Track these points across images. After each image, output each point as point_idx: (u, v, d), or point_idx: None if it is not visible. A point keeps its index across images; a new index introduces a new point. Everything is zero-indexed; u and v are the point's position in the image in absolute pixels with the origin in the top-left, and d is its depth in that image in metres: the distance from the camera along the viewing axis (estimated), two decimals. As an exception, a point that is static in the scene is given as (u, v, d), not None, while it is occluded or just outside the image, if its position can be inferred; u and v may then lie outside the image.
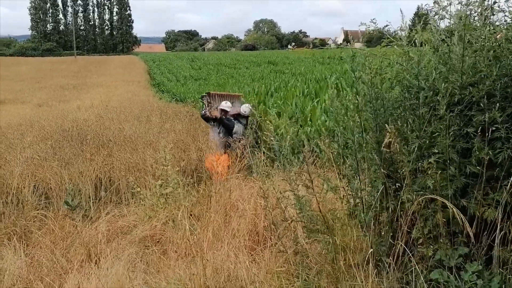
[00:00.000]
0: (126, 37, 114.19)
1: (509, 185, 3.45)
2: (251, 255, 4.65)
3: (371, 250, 3.65)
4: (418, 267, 3.65)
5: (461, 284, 3.42)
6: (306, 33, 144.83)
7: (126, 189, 7.43)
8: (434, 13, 4.02)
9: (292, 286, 3.80)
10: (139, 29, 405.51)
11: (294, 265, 4.07)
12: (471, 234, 3.26)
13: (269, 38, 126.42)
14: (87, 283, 3.72)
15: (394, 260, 3.70)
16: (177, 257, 4.77)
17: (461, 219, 3.22)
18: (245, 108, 10.41)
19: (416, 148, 3.60)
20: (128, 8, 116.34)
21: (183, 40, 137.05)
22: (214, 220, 5.42)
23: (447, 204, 3.32)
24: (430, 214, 3.62)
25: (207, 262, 4.24)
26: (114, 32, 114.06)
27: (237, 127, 10.12)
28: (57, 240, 5.35)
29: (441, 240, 3.61)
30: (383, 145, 3.55)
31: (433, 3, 3.99)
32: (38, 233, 5.63)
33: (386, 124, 3.60)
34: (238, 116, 10.30)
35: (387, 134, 3.50)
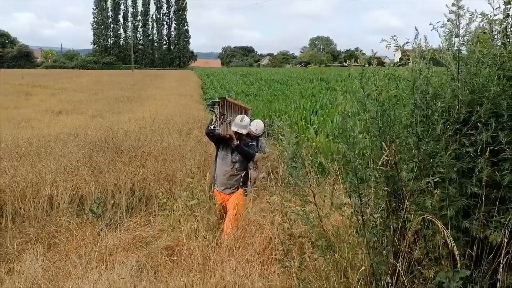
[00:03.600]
0: (183, 52, 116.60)
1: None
2: (261, 269, 4.64)
3: (365, 269, 3.58)
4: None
5: (460, 308, 3.31)
6: (362, 50, 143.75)
7: (155, 199, 7.57)
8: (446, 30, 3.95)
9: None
10: (196, 44, 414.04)
11: (298, 281, 4.04)
12: (457, 257, 3.17)
13: (324, 55, 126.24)
14: (88, 285, 3.81)
15: (395, 280, 3.61)
16: (188, 267, 4.81)
17: (450, 241, 3.12)
18: (257, 126, 8.50)
19: (415, 167, 3.53)
20: (186, 23, 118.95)
21: (239, 56, 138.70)
22: (231, 233, 5.44)
23: (439, 225, 3.22)
24: (430, 234, 3.53)
25: (212, 273, 4.27)
26: (172, 47, 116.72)
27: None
28: (77, 246, 5.50)
29: (442, 262, 3.51)
30: (379, 163, 3.50)
31: (447, 20, 3.92)
32: (61, 239, 5.81)
33: (383, 143, 3.55)
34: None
35: (384, 152, 3.45)
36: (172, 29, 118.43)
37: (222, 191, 6.96)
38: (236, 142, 6.88)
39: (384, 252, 3.79)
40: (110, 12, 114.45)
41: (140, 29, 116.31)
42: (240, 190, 6.91)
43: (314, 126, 13.68)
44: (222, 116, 6.76)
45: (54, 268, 4.91)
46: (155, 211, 7.29)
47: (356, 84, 4.05)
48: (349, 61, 4.01)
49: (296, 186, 4.23)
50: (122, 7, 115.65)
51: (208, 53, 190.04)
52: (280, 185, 5.02)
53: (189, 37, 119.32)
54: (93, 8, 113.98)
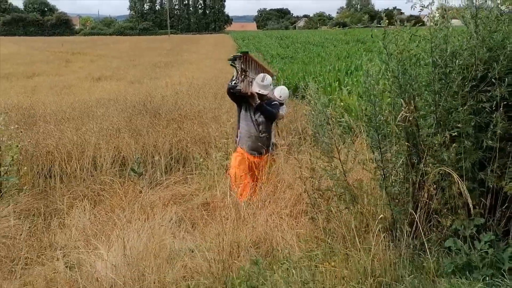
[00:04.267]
0: (218, 16, 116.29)
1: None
2: (290, 221, 4.93)
3: (385, 218, 3.85)
4: (435, 236, 3.82)
5: (473, 253, 3.54)
6: (401, 10, 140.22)
7: (192, 160, 7.92)
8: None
9: (318, 249, 4.06)
10: (231, 8, 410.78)
11: (323, 232, 4.32)
12: (470, 206, 3.39)
13: (360, 15, 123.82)
14: (132, 235, 4.19)
15: (414, 229, 3.86)
16: (223, 220, 5.14)
17: (464, 190, 3.34)
18: (281, 92, 7.68)
19: (434, 123, 3.74)
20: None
21: (275, 19, 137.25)
22: (263, 190, 5.74)
23: (455, 177, 3.45)
24: (447, 186, 3.75)
25: (245, 224, 4.60)
26: (207, 11, 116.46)
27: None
28: (120, 202, 5.90)
29: (458, 211, 3.74)
30: (398, 119, 3.72)
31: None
32: (106, 196, 6.24)
33: (402, 99, 3.76)
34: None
35: (403, 108, 3.67)
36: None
37: (249, 153, 6.64)
38: (258, 101, 6.56)
39: (404, 203, 4.03)
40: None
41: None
42: (266, 157, 6.64)
43: (347, 88, 13.76)
44: (244, 73, 6.39)
45: (100, 221, 5.33)
46: (192, 170, 7.64)
47: (380, 44, 4.24)
48: (381, 22, 4.15)
49: (322, 143, 4.49)
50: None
51: (244, 16, 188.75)
52: (309, 144, 5.29)
53: (224, 1, 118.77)
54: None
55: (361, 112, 5.43)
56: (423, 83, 3.93)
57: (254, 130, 6.64)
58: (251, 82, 6.64)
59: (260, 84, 6.59)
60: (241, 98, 6.57)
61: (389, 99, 4.14)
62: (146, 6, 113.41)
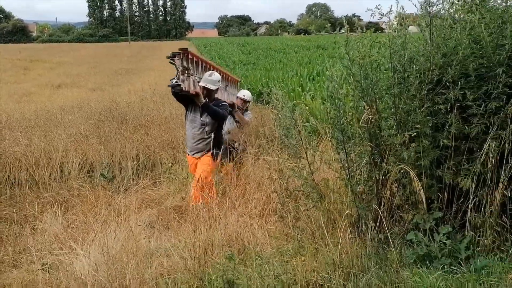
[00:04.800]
0: (179, 22, 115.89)
1: (481, 157, 3.81)
2: (261, 220, 5.12)
3: (351, 214, 4.09)
4: (397, 230, 4.08)
5: (432, 244, 3.81)
6: (359, 16, 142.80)
7: (160, 165, 8.04)
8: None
9: (288, 245, 4.26)
10: (192, 15, 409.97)
11: (293, 229, 4.53)
12: (423, 201, 3.66)
13: (321, 22, 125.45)
14: (108, 236, 4.30)
15: (378, 224, 4.11)
16: (195, 221, 5.29)
17: (418, 187, 3.61)
18: (245, 92, 8.13)
19: (394, 124, 4.01)
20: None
21: (236, 25, 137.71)
22: (233, 192, 5.92)
23: (412, 174, 3.71)
24: (408, 183, 4.02)
25: (217, 223, 4.77)
26: (168, 18, 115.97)
27: (230, 124, 7.63)
28: (92, 207, 5.98)
29: (418, 206, 4.00)
30: (361, 121, 3.97)
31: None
32: (76, 201, 6.31)
33: (364, 102, 4.02)
34: (231, 107, 7.59)
35: (365, 111, 3.92)
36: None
37: (192, 156, 6.54)
38: (203, 100, 6.25)
39: (368, 200, 4.28)
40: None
41: (135, 1, 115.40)
42: (209, 154, 6.47)
43: (310, 93, 14.06)
44: (186, 71, 6.06)
45: (74, 225, 5.42)
46: (160, 175, 7.76)
47: (342, 50, 4.50)
48: (342, 29, 4.42)
49: (290, 145, 4.71)
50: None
51: (205, 23, 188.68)
52: (277, 146, 5.51)
53: (185, 7, 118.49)
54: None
55: (326, 115, 5.67)
56: (384, 87, 4.20)
57: (198, 131, 6.45)
58: (198, 81, 6.42)
59: (207, 79, 6.40)
60: (186, 98, 6.31)
61: (352, 102, 4.40)
62: (106, 13, 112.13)
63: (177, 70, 5.91)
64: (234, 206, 5.36)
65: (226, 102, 6.96)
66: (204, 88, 6.35)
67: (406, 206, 4.12)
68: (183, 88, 5.87)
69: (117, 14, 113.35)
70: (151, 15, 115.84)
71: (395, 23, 4.45)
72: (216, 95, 6.76)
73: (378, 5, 4.57)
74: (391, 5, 4.18)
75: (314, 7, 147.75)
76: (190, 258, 3.93)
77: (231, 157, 7.18)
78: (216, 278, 3.47)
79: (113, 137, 8.45)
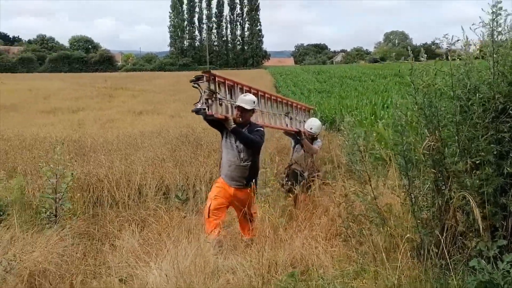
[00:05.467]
0: (256, 51, 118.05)
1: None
2: (325, 244, 5.24)
3: (414, 240, 4.14)
4: (460, 257, 4.09)
5: (495, 272, 3.80)
6: (438, 44, 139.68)
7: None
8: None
9: (350, 268, 4.37)
10: (269, 43, 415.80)
11: (356, 253, 4.64)
12: (481, 227, 3.66)
13: (399, 50, 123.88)
14: (179, 253, 4.59)
15: (439, 250, 4.14)
16: (262, 243, 5.50)
17: (477, 214, 3.63)
18: (312, 124, 8.10)
19: (456, 151, 4.06)
20: (259, 23, 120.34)
21: (312, 54, 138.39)
22: (300, 216, 6.10)
23: (471, 202, 3.74)
24: (471, 210, 4.04)
25: (282, 245, 4.95)
26: (245, 47, 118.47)
27: (297, 154, 7.96)
28: (166, 227, 6.32)
29: (482, 233, 4.01)
30: (422, 147, 4.05)
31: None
32: (152, 221, 6.68)
33: (427, 129, 4.10)
34: (298, 135, 8.03)
35: (427, 137, 4.01)
36: (245, 29, 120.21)
37: (228, 184, 6.28)
38: (232, 125, 6.01)
39: (431, 226, 4.33)
40: (186, 15, 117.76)
41: (214, 31, 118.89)
42: (249, 190, 6.23)
43: (383, 121, 14.04)
44: (214, 94, 5.91)
45: (149, 243, 5.76)
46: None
47: (407, 79, 4.62)
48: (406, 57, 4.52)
49: (355, 170, 4.85)
50: (197, 9, 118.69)
51: (281, 52, 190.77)
52: (343, 172, 5.66)
53: (262, 37, 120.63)
54: (169, 12, 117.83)
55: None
56: (447, 114, 4.26)
57: (234, 158, 6.23)
58: (227, 105, 6.30)
59: (241, 98, 6.25)
60: (220, 124, 6.16)
61: (416, 129, 4.49)
62: (186, 43, 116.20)
63: (201, 93, 5.80)
64: (300, 229, 5.52)
65: (261, 127, 6.52)
66: (239, 107, 6.19)
67: (470, 233, 4.13)
68: (208, 113, 5.74)
69: (197, 43, 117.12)
70: (229, 45, 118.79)
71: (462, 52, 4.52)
72: (269, 122, 7.11)
73: (446, 34, 4.66)
74: (452, 35, 4.26)
75: (392, 35, 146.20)
76: (254, 275, 4.13)
77: (301, 185, 7.09)
78: (278, 294, 3.64)
79: (188, 161, 8.87)
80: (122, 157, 9.09)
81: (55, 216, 6.67)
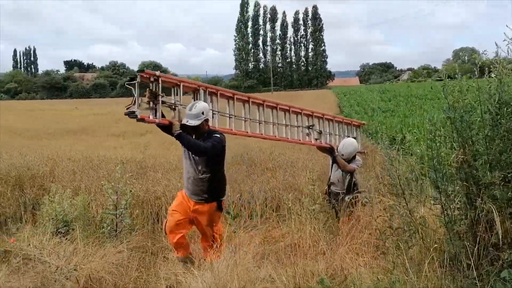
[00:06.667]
0: (321, 72, 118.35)
1: None
2: (365, 257, 5.38)
3: (447, 252, 4.24)
4: (492, 268, 4.14)
5: (527, 283, 3.84)
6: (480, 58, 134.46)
7: (284, 205, 8.57)
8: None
9: (385, 279, 4.50)
10: (334, 64, 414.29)
11: (393, 264, 4.75)
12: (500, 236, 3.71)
13: (469, 67, 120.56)
14: (221, 263, 4.88)
15: (472, 261, 4.21)
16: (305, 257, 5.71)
17: (499, 226, 3.70)
18: (343, 148, 7.66)
19: (487, 164, 4.15)
20: (323, 44, 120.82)
21: (378, 73, 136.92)
22: (342, 229, 6.26)
23: (494, 213, 3.82)
24: (502, 222, 4.10)
25: (322, 258, 5.15)
26: (309, 68, 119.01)
27: (337, 173, 7.66)
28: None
29: (513, 245, 4.06)
30: (450, 159, 4.17)
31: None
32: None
33: (457, 143, 4.21)
34: (331, 151, 7.85)
35: (456, 151, 4.13)
36: (310, 50, 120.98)
37: (189, 197, 5.97)
38: (177, 130, 5.49)
39: (463, 237, 4.40)
40: (250, 38, 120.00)
41: (278, 52, 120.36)
42: (212, 204, 5.90)
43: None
44: (154, 97, 5.57)
45: (198, 256, 6.09)
46: (285, 215, 8.26)
47: (441, 95, 4.75)
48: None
49: (393, 186, 4.99)
50: (261, 32, 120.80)
51: (347, 72, 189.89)
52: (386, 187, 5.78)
53: (326, 57, 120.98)
54: (234, 35, 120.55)
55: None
56: (477, 128, 4.36)
57: (192, 169, 5.84)
58: (177, 111, 5.92)
59: (187, 113, 5.75)
60: (168, 131, 5.67)
61: (448, 144, 4.60)
62: (251, 65, 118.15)
63: (134, 96, 5.39)
64: (341, 243, 5.68)
65: (219, 134, 5.96)
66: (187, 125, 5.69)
67: (503, 245, 4.17)
68: (140, 116, 5.38)
69: (261, 65, 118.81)
70: (293, 66, 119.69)
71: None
72: (280, 135, 7.13)
73: (485, 51, 4.79)
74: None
75: (461, 51, 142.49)
76: (289, 283, 4.35)
77: (339, 209, 7.24)
78: (309, 301, 3.84)
79: (241, 179, 9.20)
80: (179, 175, 9.54)
81: (115, 230, 7.14)
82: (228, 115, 6.79)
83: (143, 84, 5.56)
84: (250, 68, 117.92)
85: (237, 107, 7.03)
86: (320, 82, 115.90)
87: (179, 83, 6.15)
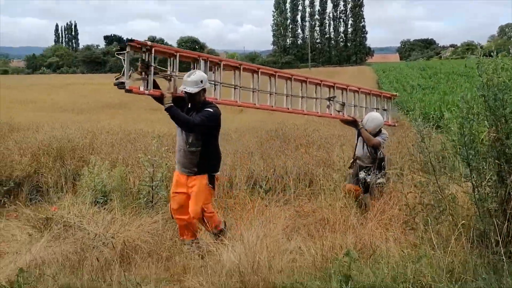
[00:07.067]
0: (360, 48, 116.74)
1: None
2: (393, 232, 5.43)
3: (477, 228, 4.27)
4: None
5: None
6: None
7: (318, 181, 8.64)
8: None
9: (413, 253, 4.55)
10: (374, 40, 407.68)
11: (422, 240, 4.80)
12: None
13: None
14: (252, 233, 5.02)
15: (501, 239, 4.23)
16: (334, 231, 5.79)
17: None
18: (367, 123, 7.39)
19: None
20: (362, 19, 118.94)
21: (419, 49, 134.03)
22: (374, 206, 6.32)
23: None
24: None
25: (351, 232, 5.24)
26: (348, 44, 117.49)
27: (360, 147, 7.45)
28: (248, 214, 6.76)
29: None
30: (482, 138, 4.16)
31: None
32: (238, 209, 7.16)
33: (490, 121, 4.20)
34: (354, 124, 7.65)
35: (488, 129, 4.13)
36: (349, 26, 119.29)
37: (180, 171, 5.86)
38: (168, 103, 5.43)
39: (493, 215, 4.41)
40: (289, 14, 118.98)
41: (317, 28, 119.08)
42: (204, 177, 5.72)
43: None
44: (146, 68, 5.45)
45: (229, 227, 6.24)
46: (318, 191, 8.35)
47: (476, 72, 4.72)
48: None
49: (424, 163, 5.01)
50: (300, 7, 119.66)
51: (386, 48, 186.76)
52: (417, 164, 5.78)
53: (366, 33, 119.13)
54: (273, 11, 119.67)
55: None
56: (511, 107, 4.33)
57: (183, 142, 5.72)
58: (172, 82, 5.84)
59: (185, 80, 5.62)
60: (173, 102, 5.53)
61: (480, 122, 4.58)
62: (289, 41, 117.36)
63: (124, 65, 5.28)
64: (371, 218, 5.75)
65: (212, 107, 5.78)
66: (186, 92, 5.61)
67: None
68: (128, 87, 5.30)
69: (299, 41, 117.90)
70: (332, 42, 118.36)
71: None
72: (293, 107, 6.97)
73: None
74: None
75: (508, 27, 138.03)
76: (317, 255, 4.46)
77: (364, 187, 7.17)
78: (335, 272, 3.94)
79: (274, 154, 9.31)
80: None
81: (151, 202, 7.37)
82: (233, 86, 6.77)
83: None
84: (288, 44, 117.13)
85: (247, 78, 6.94)
86: (359, 58, 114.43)
87: (175, 53, 5.94)
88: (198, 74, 5.64)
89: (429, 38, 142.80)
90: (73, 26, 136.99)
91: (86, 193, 7.26)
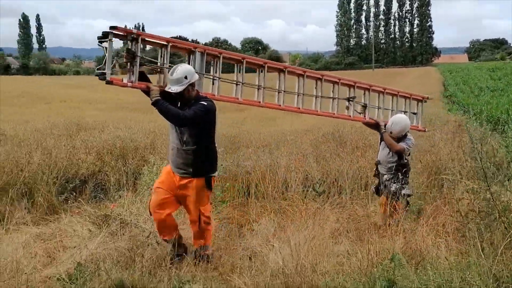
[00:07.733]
0: (426, 48, 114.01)
1: None
2: (445, 238, 5.35)
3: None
4: None
5: None
6: None
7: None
8: None
9: (463, 261, 4.49)
10: (441, 40, 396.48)
11: (473, 247, 4.73)
12: None
13: None
14: (300, 236, 5.09)
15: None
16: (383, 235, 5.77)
17: None
18: (392, 126, 6.76)
19: None
20: (429, 19, 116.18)
21: (489, 49, 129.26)
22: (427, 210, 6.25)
23: None
24: None
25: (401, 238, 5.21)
26: (414, 44, 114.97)
27: (384, 152, 6.84)
28: (300, 217, 6.82)
29: None
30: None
31: None
32: (290, 210, 7.23)
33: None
34: (376, 127, 7.06)
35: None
36: (415, 25, 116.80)
37: (173, 171, 5.40)
38: (155, 97, 5.01)
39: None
40: (353, 14, 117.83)
41: (381, 28, 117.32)
42: (200, 179, 5.32)
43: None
44: (132, 58, 5.05)
45: (280, 229, 6.33)
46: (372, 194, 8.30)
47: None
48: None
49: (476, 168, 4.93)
50: (364, 7, 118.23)
51: (455, 48, 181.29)
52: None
53: (433, 33, 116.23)
54: (336, 11, 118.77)
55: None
56: None
57: (177, 140, 5.30)
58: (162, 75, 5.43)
59: (169, 78, 5.17)
60: (164, 97, 5.11)
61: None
62: (352, 41, 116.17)
63: (106, 54, 4.92)
64: (421, 224, 5.69)
65: (206, 102, 5.31)
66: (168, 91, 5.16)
67: None
68: (109, 79, 4.89)
69: (363, 42, 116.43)
70: (397, 42, 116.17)
71: None
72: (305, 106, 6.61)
73: None
74: None
75: None
76: (363, 258, 4.48)
77: (387, 193, 6.65)
78: (379, 276, 3.95)
79: (329, 157, 9.31)
80: (268, 151, 9.83)
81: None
82: (235, 82, 6.37)
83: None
84: (351, 44, 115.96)
85: (251, 76, 6.55)
86: (425, 59, 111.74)
87: (166, 43, 5.48)
88: (180, 69, 5.13)
89: (500, 37, 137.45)
90: (140, 28, 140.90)
91: (145, 192, 7.51)
